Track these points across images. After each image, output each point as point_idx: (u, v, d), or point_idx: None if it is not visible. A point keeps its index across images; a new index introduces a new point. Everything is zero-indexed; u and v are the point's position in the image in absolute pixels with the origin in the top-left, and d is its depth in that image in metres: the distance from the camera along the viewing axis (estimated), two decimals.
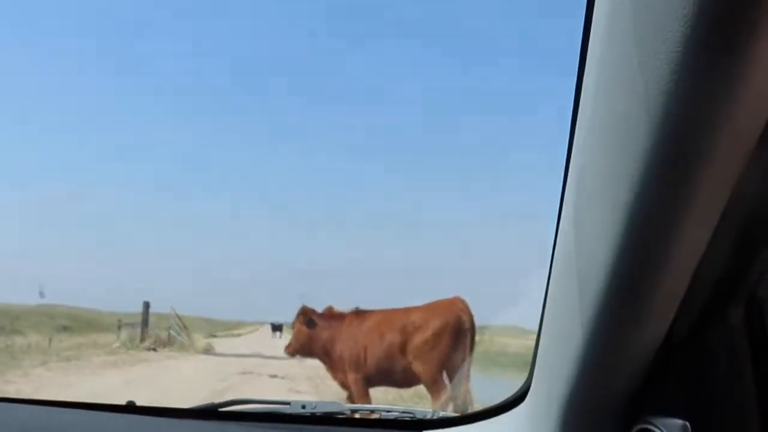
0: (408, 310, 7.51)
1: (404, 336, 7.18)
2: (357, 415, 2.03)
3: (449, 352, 7.10)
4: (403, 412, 1.95)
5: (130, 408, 2.03)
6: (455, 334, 7.11)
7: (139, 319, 27.22)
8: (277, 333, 66.97)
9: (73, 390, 11.86)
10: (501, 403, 1.61)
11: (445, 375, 7.14)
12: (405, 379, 7.49)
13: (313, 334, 7.77)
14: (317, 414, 1.88)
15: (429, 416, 1.91)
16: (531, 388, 1.44)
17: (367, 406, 2.16)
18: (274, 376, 16.90)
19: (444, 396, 6.95)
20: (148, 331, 25.84)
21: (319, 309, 8.11)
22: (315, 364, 22.96)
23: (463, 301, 7.37)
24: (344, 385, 7.56)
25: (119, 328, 28.20)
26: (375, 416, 2.01)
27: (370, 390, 7.50)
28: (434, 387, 7.05)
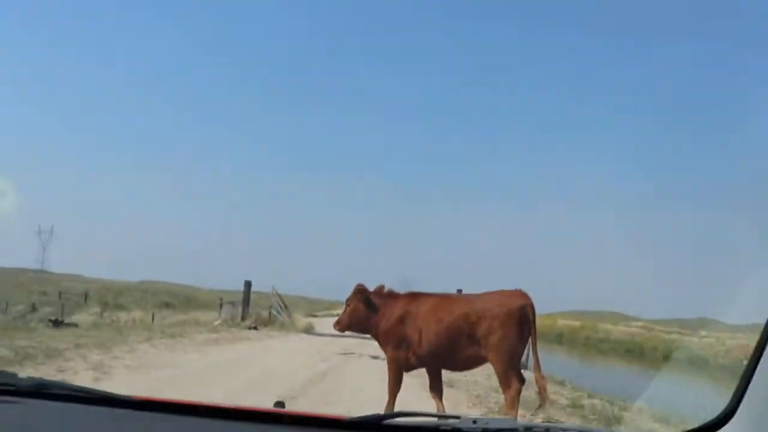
0: (468, 298, 7.83)
1: (468, 324, 7.42)
2: None
3: (517, 343, 7.45)
4: (581, 431, 1.95)
5: (280, 417, 1.87)
6: (520, 325, 7.39)
7: (239, 297, 27.79)
8: None
9: (179, 368, 11.87)
10: (701, 425, 1.53)
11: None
12: (460, 365, 7.89)
13: (369, 312, 7.99)
14: (489, 430, 1.76)
15: None
16: (737, 414, 1.39)
17: (542, 424, 1.94)
18: (375, 357, 16.76)
19: (515, 386, 7.29)
20: (249, 309, 26.31)
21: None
22: None
23: (524, 293, 7.64)
24: (393, 362, 7.85)
25: (220, 306, 28.90)
26: None
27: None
28: (506, 379, 7.34)
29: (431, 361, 7.82)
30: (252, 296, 26.83)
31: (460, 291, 10.58)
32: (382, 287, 8.20)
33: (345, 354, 17.07)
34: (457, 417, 1.82)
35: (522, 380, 7.48)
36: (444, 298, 7.99)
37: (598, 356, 40.40)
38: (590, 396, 12.21)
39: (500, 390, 9.79)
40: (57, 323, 25.43)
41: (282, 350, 17.38)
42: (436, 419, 1.89)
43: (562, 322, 57.10)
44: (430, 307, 7.74)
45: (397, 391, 7.79)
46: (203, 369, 12.07)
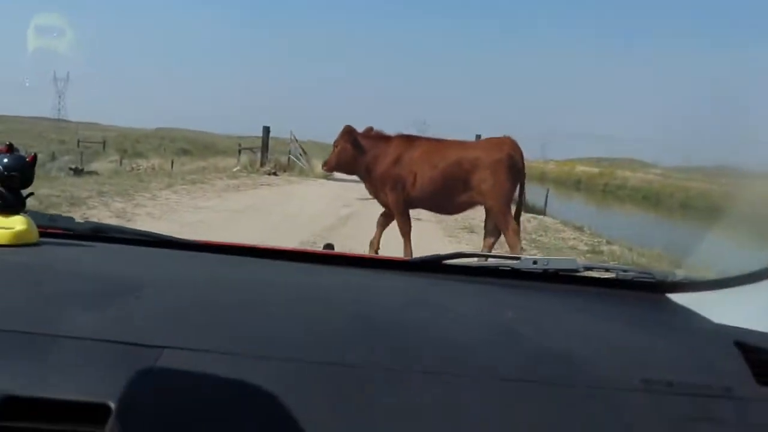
0: (461, 144, 8.04)
1: (462, 170, 7.68)
2: (592, 274, 1.83)
3: (509, 187, 7.75)
4: (641, 273, 1.81)
5: (334, 257, 1.87)
6: (511, 171, 7.70)
7: (257, 143, 27.79)
8: None
9: (202, 213, 12.03)
10: (756, 270, 1.46)
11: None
12: (453, 209, 8.24)
13: (357, 153, 8.08)
14: (549, 270, 1.75)
15: (671, 278, 1.75)
16: None
17: (602, 264, 2.09)
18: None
19: (513, 225, 7.62)
20: (268, 155, 26.36)
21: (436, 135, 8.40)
22: None
23: (513, 140, 7.92)
24: (384, 204, 8.13)
25: (239, 152, 29.01)
26: (610, 275, 1.85)
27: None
28: (504, 222, 7.66)
29: (423, 204, 8.15)
30: (270, 142, 26.80)
31: (479, 137, 10.73)
32: (370, 129, 8.27)
33: (365, 199, 17.21)
34: (517, 258, 1.80)
35: (518, 219, 7.87)
36: (436, 142, 8.12)
37: (615, 203, 40.63)
38: (609, 242, 12.39)
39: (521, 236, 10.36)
40: (78, 171, 25.75)
41: (303, 195, 17.49)
42: (496, 260, 1.89)
43: (580, 169, 57.05)
44: (423, 151, 7.91)
45: (410, 229, 8.08)
46: (226, 215, 12.23)
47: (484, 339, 1.26)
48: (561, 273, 1.76)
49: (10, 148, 1.71)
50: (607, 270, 1.87)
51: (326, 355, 1.11)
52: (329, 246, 2.11)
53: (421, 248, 9.34)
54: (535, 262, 1.75)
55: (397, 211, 8.03)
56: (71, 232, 1.80)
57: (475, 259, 2.00)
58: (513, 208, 7.88)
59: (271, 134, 26.94)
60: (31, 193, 1.72)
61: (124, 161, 38.62)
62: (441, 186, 7.77)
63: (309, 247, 1.96)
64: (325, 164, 8.49)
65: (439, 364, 1.12)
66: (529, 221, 15.01)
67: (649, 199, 41.83)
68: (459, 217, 14.55)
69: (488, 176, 7.61)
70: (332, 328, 1.24)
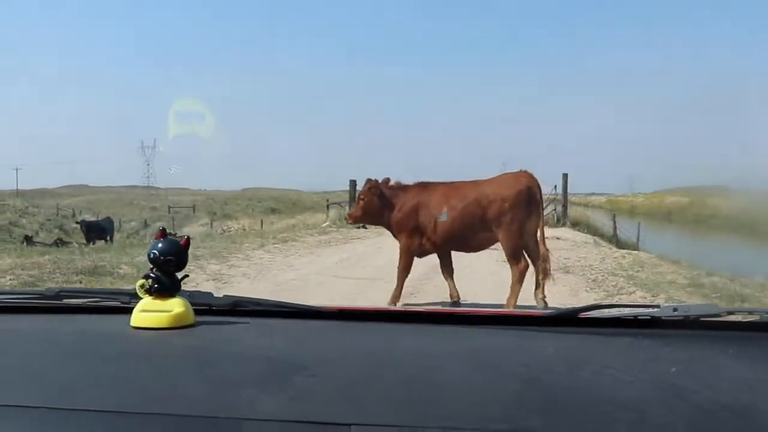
0: (476, 183, 8.30)
1: (480, 207, 8.01)
2: (735, 318, 1.81)
3: (526, 222, 8.03)
4: None
5: (465, 317, 1.91)
6: (528, 205, 8.02)
7: (344, 198, 28.20)
8: None
9: (296, 271, 12.20)
10: None
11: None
12: (474, 247, 8.48)
13: (381, 204, 8.49)
14: (691, 317, 1.73)
15: None
16: None
17: (744, 307, 2.16)
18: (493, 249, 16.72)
19: (523, 263, 7.99)
20: None
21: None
22: None
23: (530, 174, 8.23)
24: (406, 249, 8.45)
25: (327, 207, 29.51)
26: (753, 318, 1.82)
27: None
28: (514, 256, 8.00)
29: (445, 245, 8.41)
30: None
31: (565, 175, 11.14)
32: (387, 180, 8.68)
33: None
34: (657, 306, 1.79)
35: (537, 256, 8.10)
36: (453, 185, 8.44)
37: (709, 233, 39.14)
38: (709, 274, 11.94)
39: (616, 273, 11.52)
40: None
41: (395, 247, 17.49)
42: (634, 309, 1.88)
43: (669, 200, 55.15)
44: (441, 194, 8.29)
45: (406, 277, 8.47)
46: (320, 270, 12.36)
47: (655, 397, 1.24)
48: (702, 319, 1.75)
49: (164, 233, 1.80)
50: (750, 313, 1.86)
51: (515, 424, 1.11)
52: (456, 303, 2.09)
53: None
54: (675, 309, 1.74)
55: (403, 255, 8.45)
56: (214, 308, 1.89)
57: (612, 309, 1.97)
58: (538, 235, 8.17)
59: (359, 187, 27.30)
60: (186, 276, 1.78)
61: (215, 223, 39.87)
62: (459, 225, 8.11)
63: (422, 306, 2.01)
64: (349, 216, 8.83)
65: (619, 428, 1.11)
66: (624, 257, 14.66)
67: (745, 226, 40.13)
68: (554, 258, 14.30)
69: (506, 210, 7.92)
70: (512, 396, 1.24)
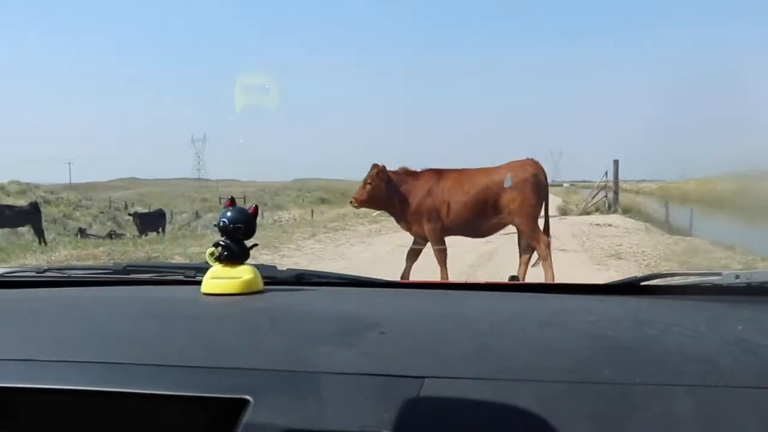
0: (487, 170, 8.74)
1: (492, 193, 8.48)
2: None
3: (536, 206, 8.56)
4: None
5: (525, 286, 2.02)
6: (536, 190, 8.51)
7: None
8: None
9: (347, 260, 12.27)
10: None
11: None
12: (486, 231, 8.88)
13: (389, 189, 8.70)
14: (753, 284, 1.74)
15: None
16: None
17: None
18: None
19: (544, 238, 8.45)
20: None
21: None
22: (577, 221, 22.34)
23: (536, 161, 8.80)
24: (418, 234, 8.80)
25: None
26: None
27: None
28: (534, 236, 8.44)
29: (457, 230, 8.80)
30: None
31: (616, 162, 11.60)
32: (404, 168, 8.96)
33: (507, 234, 16.99)
34: (719, 274, 1.80)
35: (547, 233, 8.65)
36: (464, 172, 8.86)
37: (764, 218, 38.10)
38: (764, 259, 11.77)
39: (669, 259, 12.01)
40: None
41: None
42: (696, 277, 1.89)
43: (722, 186, 53.64)
44: (453, 180, 8.68)
45: (446, 257, 8.77)
46: (372, 259, 12.39)
47: (723, 351, 1.26)
48: (766, 285, 1.76)
49: (233, 202, 1.83)
50: None
51: (585, 374, 1.13)
52: (514, 277, 2.19)
53: (570, 278, 9.28)
54: (737, 277, 1.76)
55: (434, 240, 8.68)
56: (278, 279, 1.92)
57: (675, 278, 1.99)
58: (541, 223, 8.65)
59: None
60: (255, 244, 1.82)
61: (266, 214, 40.24)
62: (472, 211, 8.53)
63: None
64: (354, 200, 8.96)
65: (688, 377, 1.12)
66: (677, 243, 14.51)
67: None
68: (605, 245, 14.40)
69: (516, 196, 8.40)
70: (581, 349, 1.27)
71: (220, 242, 1.75)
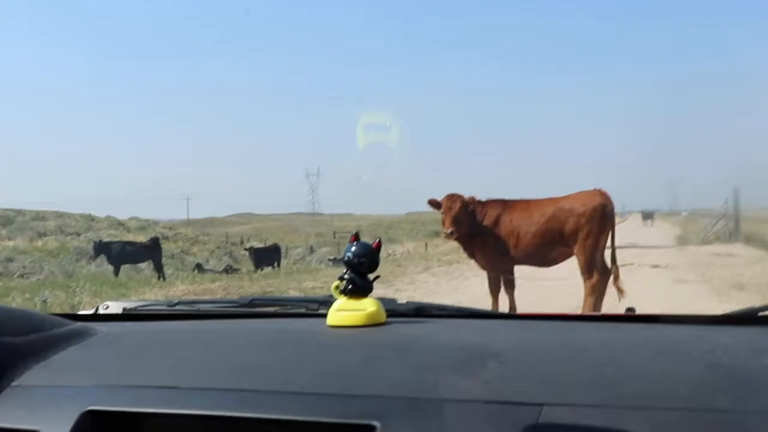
0: (554, 200, 9.02)
1: (559, 223, 8.75)
2: None
3: (600, 237, 8.71)
4: None
5: (637, 317, 2.03)
6: (602, 221, 8.70)
7: None
8: (648, 221, 65.41)
9: (462, 294, 12.47)
10: None
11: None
12: (550, 260, 9.11)
13: (470, 220, 8.99)
14: None
15: None
16: None
17: None
18: (656, 266, 16.33)
19: (596, 276, 8.61)
20: None
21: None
22: (696, 252, 21.57)
23: (604, 192, 9.01)
24: (493, 266, 9.13)
25: None
26: None
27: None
28: (588, 270, 8.63)
29: (526, 260, 9.10)
30: None
31: (736, 189, 11.40)
32: (472, 198, 9.15)
33: (623, 265, 16.98)
34: None
35: (605, 271, 8.77)
36: (531, 202, 9.17)
37: None
38: None
39: None
40: (336, 261, 27.50)
41: (568, 263, 17.34)
42: None
43: None
44: (521, 210, 9.01)
45: (498, 291, 9.14)
46: (486, 292, 12.58)
47: None
48: None
49: (357, 237, 1.94)
50: None
51: (699, 402, 1.19)
52: (631, 309, 2.21)
53: (691, 310, 9.20)
54: None
55: (501, 270, 9.03)
56: (398, 312, 2.03)
57: None
58: (608, 254, 8.86)
59: None
60: (378, 276, 1.93)
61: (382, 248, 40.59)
62: (540, 240, 8.79)
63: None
64: (450, 233, 9.07)
65: None
66: None
67: None
68: (727, 275, 13.99)
69: (582, 225, 8.63)
70: (695, 376, 1.31)
71: (345, 276, 1.85)
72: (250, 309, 2.21)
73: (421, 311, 2.06)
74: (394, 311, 1.99)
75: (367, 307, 1.83)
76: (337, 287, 1.86)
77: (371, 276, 1.89)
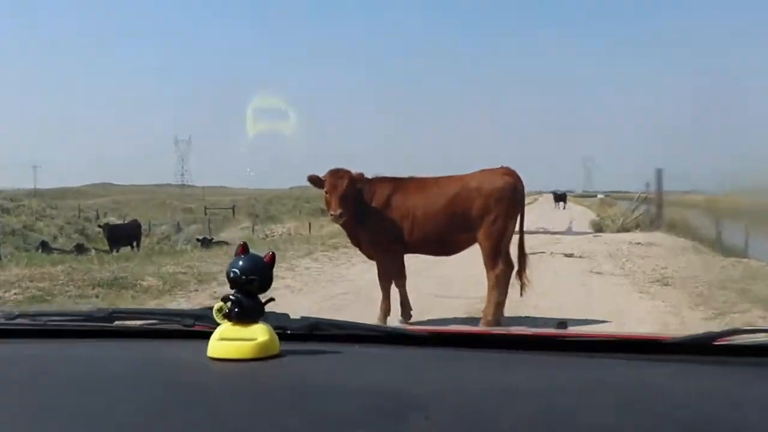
0: (454, 179, 8.48)
1: (461, 205, 8.21)
2: None
3: (508, 222, 8.24)
4: None
5: (571, 343, 1.90)
6: (510, 203, 8.22)
7: None
8: (560, 203, 67.24)
9: (347, 283, 11.97)
10: None
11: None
12: (451, 248, 8.62)
13: (357, 198, 8.34)
14: None
15: None
16: None
17: None
18: (569, 255, 16.26)
19: (501, 267, 8.11)
20: None
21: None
22: (615, 239, 21.97)
23: (513, 170, 8.45)
24: (384, 252, 8.60)
25: None
26: None
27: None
28: (491, 259, 8.12)
29: (421, 246, 8.56)
30: None
31: (659, 171, 11.40)
32: (360, 174, 8.49)
33: (534, 253, 16.70)
34: None
35: (509, 264, 8.32)
36: (427, 180, 8.62)
37: None
38: None
39: (726, 286, 11.28)
40: (206, 242, 26.92)
41: (465, 255, 17.06)
42: None
43: None
44: (416, 189, 8.45)
45: (390, 285, 8.65)
46: (375, 282, 12.03)
47: None
48: None
49: (245, 249, 1.73)
50: None
51: None
52: (562, 325, 2.10)
53: (609, 307, 9.06)
54: None
55: (392, 259, 8.55)
56: (289, 332, 1.85)
57: (757, 335, 1.88)
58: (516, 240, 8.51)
59: None
60: (271, 299, 1.74)
61: (257, 227, 40.00)
62: (440, 224, 8.25)
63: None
64: (334, 213, 8.40)
65: None
66: (733, 266, 14.11)
67: None
68: (648, 268, 14.05)
69: (488, 207, 8.12)
70: (677, 423, 1.25)
71: (230, 297, 1.67)
72: (108, 325, 2.04)
73: (316, 329, 1.92)
74: (286, 332, 1.84)
75: (257, 335, 1.65)
76: (220, 310, 1.68)
77: (263, 297, 1.71)
